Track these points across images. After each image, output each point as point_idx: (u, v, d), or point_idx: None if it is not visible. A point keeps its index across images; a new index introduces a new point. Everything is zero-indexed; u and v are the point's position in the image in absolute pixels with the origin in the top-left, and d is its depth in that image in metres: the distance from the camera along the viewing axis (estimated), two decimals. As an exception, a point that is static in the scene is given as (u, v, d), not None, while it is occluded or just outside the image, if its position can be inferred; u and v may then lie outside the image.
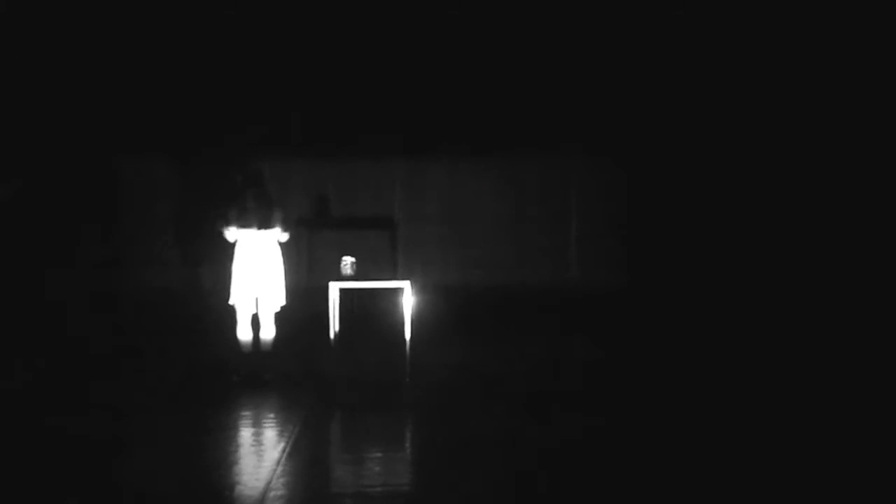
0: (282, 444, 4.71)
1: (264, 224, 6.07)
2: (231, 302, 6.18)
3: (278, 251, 6.21)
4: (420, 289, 6.79)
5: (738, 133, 8.85)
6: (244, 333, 6.20)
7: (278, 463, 4.36)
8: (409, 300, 6.36)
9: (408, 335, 6.35)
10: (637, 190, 9.32)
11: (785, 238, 8.64)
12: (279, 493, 3.93)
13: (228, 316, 6.35)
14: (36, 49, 8.06)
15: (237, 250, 6.11)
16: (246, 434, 5.05)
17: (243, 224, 6.04)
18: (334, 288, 6.44)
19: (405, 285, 6.37)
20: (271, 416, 5.43)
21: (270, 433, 5.03)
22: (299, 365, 6.75)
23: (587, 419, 5.23)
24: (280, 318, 6.31)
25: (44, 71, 8.23)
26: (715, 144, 8.93)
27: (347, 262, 6.46)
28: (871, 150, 8.37)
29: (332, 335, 6.48)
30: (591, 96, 8.98)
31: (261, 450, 4.69)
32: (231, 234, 6.06)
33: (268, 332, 6.23)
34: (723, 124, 8.87)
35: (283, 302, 6.27)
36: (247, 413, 5.48)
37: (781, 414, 5.26)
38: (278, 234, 6.15)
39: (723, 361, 6.85)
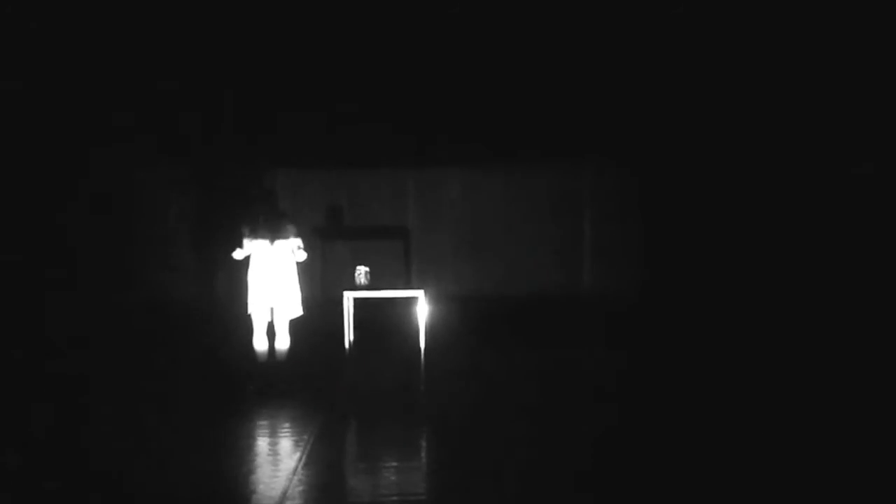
0: (298, 454, 4.72)
1: (276, 237, 6.15)
2: (249, 312, 6.24)
3: (292, 262, 6.27)
4: (434, 298, 6.80)
5: (757, 139, 8.80)
6: (259, 343, 6.25)
7: (294, 472, 4.37)
8: (423, 309, 6.38)
9: (422, 344, 6.37)
10: (652, 198, 9.29)
11: (806, 245, 8.57)
12: (295, 502, 3.95)
13: (243, 325, 6.39)
14: (48, 55, 8.13)
15: (252, 261, 6.19)
16: (262, 443, 5.07)
17: (256, 237, 6.14)
18: (349, 297, 6.47)
19: (419, 295, 6.39)
20: (287, 425, 5.44)
21: (286, 442, 5.04)
22: (314, 374, 6.77)
23: (603, 428, 5.22)
24: (295, 327, 6.35)
25: (56, 77, 8.29)
26: (732, 151, 8.89)
27: (361, 271, 6.49)
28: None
29: (346, 344, 6.50)
30: (605, 104, 8.97)
31: (277, 459, 4.70)
32: (244, 250, 6.16)
33: (283, 342, 6.27)
34: (741, 130, 8.82)
35: (299, 312, 6.32)
36: (263, 422, 5.50)
37: (809, 425, 5.23)
38: (294, 251, 6.22)
39: (742, 372, 6.82)
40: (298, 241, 6.24)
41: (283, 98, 8.77)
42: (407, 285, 7.56)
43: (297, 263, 6.30)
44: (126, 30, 7.93)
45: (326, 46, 8.47)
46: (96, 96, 8.54)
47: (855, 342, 7.34)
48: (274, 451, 4.88)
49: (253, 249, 6.16)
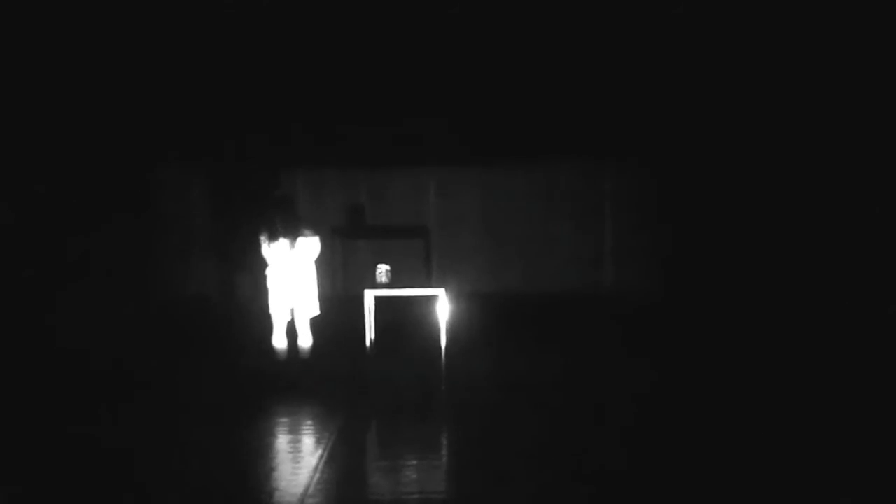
0: (319, 451, 4.74)
1: (294, 242, 6.22)
2: (270, 311, 6.31)
3: (311, 264, 6.32)
4: (454, 297, 6.80)
5: (776, 136, 8.72)
6: (279, 341, 6.31)
7: (316, 470, 4.39)
8: (443, 308, 6.38)
9: (443, 343, 6.37)
10: (672, 196, 9.22)
11: (826, 242, 8.47)
12: (316, 499, 3.97)
13: (265, 324, 6.43)
14: (70, 57, 8.21)
15: (272, 265, 6.26)
16: (283, 441, 5.10)
17: (275, 242, 6.22)
18: (369, 296, 6.49)
19: (439, 293, 6.39)
20: (308, 423, 5.47)
21: (308, 440, 5.07)
22: (336, 372, 6.80)
23: (625, 429, 5.19)
24: (317, 326, 6.38)
25: (78, 79, 8.38)
26: (751, 148, 8.81)
27: (382, 270, 6.51)
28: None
29: (367, 343, 6.52)
30: (626, 102, 8.92)
31: (298, 457, 4.72)
32: (266, 255, 6.23)
33: (305, 340, 6.32)
34: (759, 128, 8.74)
35: (316, 311, 6.37)
36: (284, 420, 5.53)
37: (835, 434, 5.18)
38: (310, 251, 6.28)
39: (761, 373, 6.75)
40: (317, 244, 6.30)
41: (305, 99, 8.82)
42: (427, 284, 7.56)
43: (315, 262, 6.35)
44: (149, 31, 8.00)
45: (348, 47, 8.50)
46: (119, 97, 8.63)
47: (878, 341, 7.25)
48: (295, 449, 4.91)
49: (273, 254, 6.25)
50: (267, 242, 6.25)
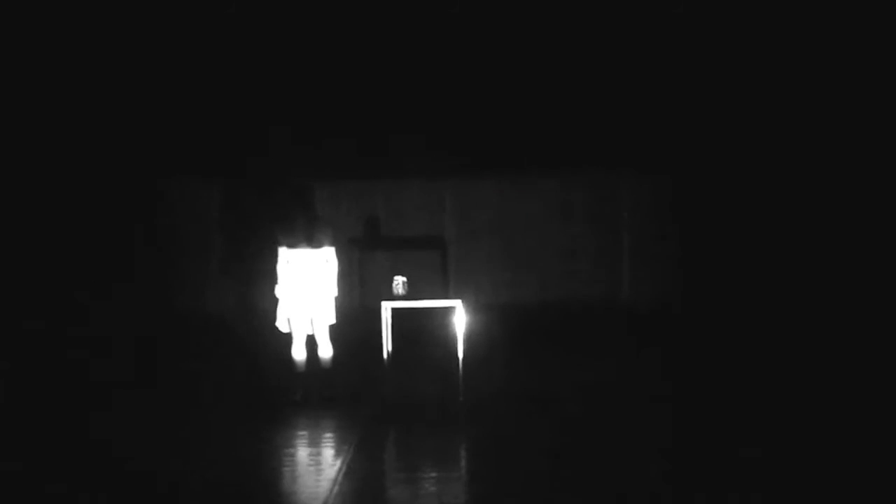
0: (338, 464, 4.75)
1: (312, 241, 6.11)
2: (278, 325, 6.22)
3: (328, 269, 6.24)
4: (471, 308, 6.80)
5: (794, 146, 8.67)
6: (299, 353, 6.27)
7: (335, 482, 4.39)
8: (461, 319, 6.37)
9: (460, 354, 6.36)
10: (690, 207, 9.17)
11: (846, 252, 8.39)
12: (336, 512, 3.97)
13: (283, 336, 6.42)
14: (77, 71, 8.30)
15: (287, 270, 6.17)
16: (303, 453, 5.11)
17: (291, 243, 6.10)
18: (386, 308, 6.49)
19: (457, 304, 6.39)
20: (327, 435, 5.48)
21: (327, 452, 5.08)
22: (354, 384, 6.81)
23: (641, 438, 5.16)
24: (334, 337, 6.36)
25: (84, 92, 8.46)
26: (770, 158, 8.76)
27: (399, 281, 6.50)
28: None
29: (385, 355, 6.52)
30: (641, 113, 8.90)
31: (317, 469, 4.73)
32: (280, 262, 6.10)
33: (325, 351, 6.28)
34: (777, 138, 8.69)
35: (332, 320, 6.29)
36: (303, 433, 5.54)
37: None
38: (328, 256, 6.18)
39: (781, 381, 6.69)
40: (332, 251, 6.19)
41: (318, 109, 8.87)
42: (445, 295, 7.55)
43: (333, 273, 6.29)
44: (165, 44, 8.09)
45: (361, 59, 8.55)
46: (134, 111, 8.70)
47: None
48: (315, 461, 4.92)
49: (288, 256, 6.13)
50: (283, 242, 6.09)
